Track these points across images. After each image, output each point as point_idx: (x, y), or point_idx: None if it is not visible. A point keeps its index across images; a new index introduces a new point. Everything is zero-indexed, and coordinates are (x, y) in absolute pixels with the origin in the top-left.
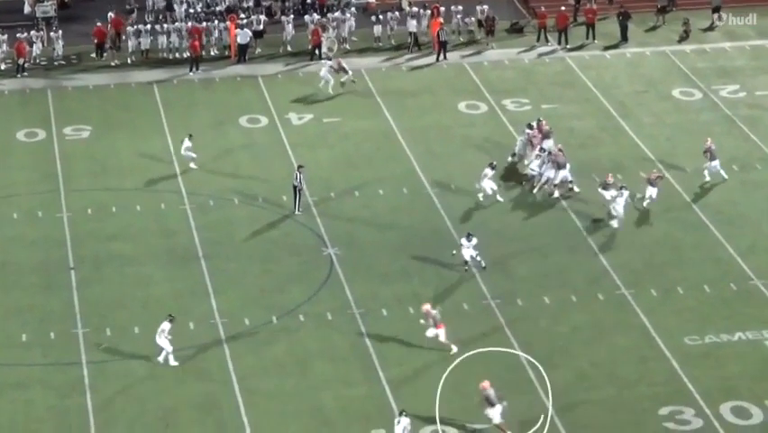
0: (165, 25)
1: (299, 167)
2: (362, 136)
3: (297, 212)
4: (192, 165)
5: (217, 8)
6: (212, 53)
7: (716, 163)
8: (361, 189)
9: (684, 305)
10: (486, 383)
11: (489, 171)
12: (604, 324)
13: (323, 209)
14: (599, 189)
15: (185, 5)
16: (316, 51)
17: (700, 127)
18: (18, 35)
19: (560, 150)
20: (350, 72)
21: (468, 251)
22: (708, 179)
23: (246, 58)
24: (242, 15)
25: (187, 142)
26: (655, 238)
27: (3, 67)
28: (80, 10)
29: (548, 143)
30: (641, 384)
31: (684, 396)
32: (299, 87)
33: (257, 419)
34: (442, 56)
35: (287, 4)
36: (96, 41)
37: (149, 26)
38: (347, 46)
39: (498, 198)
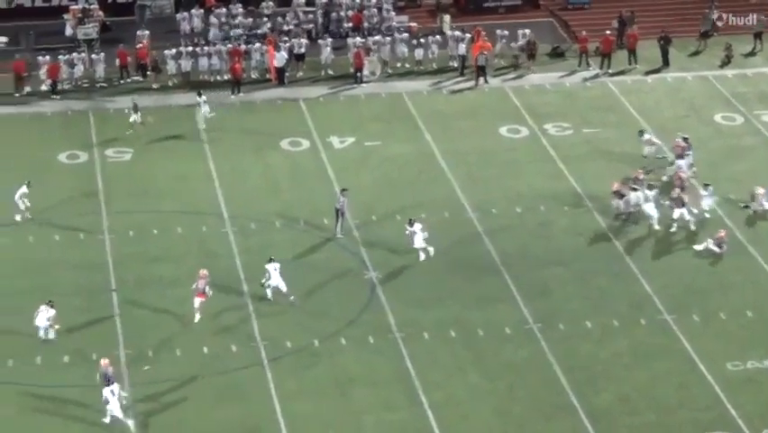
0: (205, 48)
1: (343, 190)
2: (404, 160)
3: (338, 235)
4: (17, 217)
5: (258, 31)
6: (252, 76)
7: (683, 162)
8: (403, 213)
9: (726, 330)
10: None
11: (649, 193)
12: (646, 349)
13: (364, 233)
14: (631, 193)
15: (222, 28)
16: (358, 74)
17: (742, 152)
18: (60, 57)
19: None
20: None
21: (419, 236)
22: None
23: (285, 80)
24: (285, 38)
25: (23, 189)
26: (696, 262)
27: (44, 88)
28: (121, 32)
29: (681, 163)
30: (682, 409)
31: (726, 422)
32: (341, 110)
33: None
34: (482, 80)
35: (325, 26)
36: (118, 62)
37: (189, 48)
38: (389, 70)
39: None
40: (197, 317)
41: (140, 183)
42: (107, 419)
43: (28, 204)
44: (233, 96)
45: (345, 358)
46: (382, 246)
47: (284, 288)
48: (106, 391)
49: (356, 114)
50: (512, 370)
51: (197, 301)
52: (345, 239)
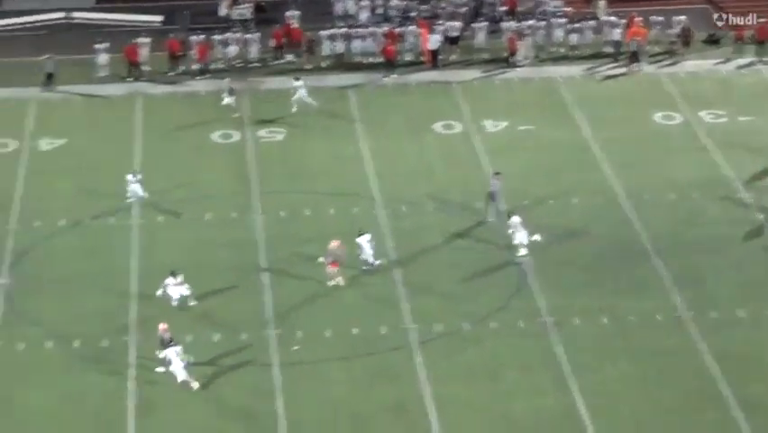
0: (360, 30)
1: (495, 174)
2: (556, 145)
3: (490, 219)
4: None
5: (412, 14)
6: (406, 58)
7: None
8: (555, 198)
9: None
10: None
11: None
12: None
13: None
14: None
15: (375, 10)
16: (512, 59)
17: None
18: (214, 37)
19: None
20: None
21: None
22: None
23: (438, 63)
24: (439, 21)
25: (131, 176)
26: None
27: (194, 67)
28: (276, 13)
29: None
30: None
31: None
32: (495, 94)
33: (447, 425)
34: (637, 66)
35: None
36: (273, 42)
37: (343, 30)
38: (544, 54)
39: None
40: (339, 281)
41: (292, 163)
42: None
43: (140, 191)
44: (385, 79)
45: (495, 342)
46: (534, 231)
47: (371, 259)
48: (170, 352)
49: (509, 98)
50: (662, 358)
51: (332, 271)
52: (497, 223)
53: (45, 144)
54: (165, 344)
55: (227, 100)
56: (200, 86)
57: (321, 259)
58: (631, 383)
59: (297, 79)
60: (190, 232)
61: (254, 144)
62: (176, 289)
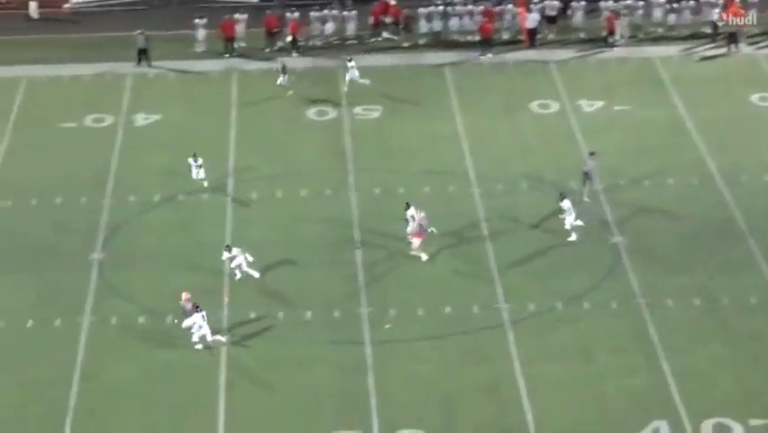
0: (457, 8)
1: (591, 153)
2: (652, 125)
3: (585, 199)
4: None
5: None
6: (504, 37)
7: None
8: (650, 178)
9: None
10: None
11: None
12: None
13: (611, 197)
14: None
15: None
16: (609, 38)
17: None
18: (311, 14)
19: None
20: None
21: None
22: None
23: (536, 42)
24: (536, 0)
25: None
26: None
27: (280, 43)
28: None
29: None
30: None
31: None
32: (591, 73)
33: (539, 406)
34: (735, 47)
35: None
36: (372, 20)
37: (441, 8)
38: (641, 34)
39: None
40: (424, 256)
41: (387, 141)
42: (200, 346)
43: (202, 175)
44: (481, 57)
45: (587, 323)
46: (628, 211)
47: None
48: (197, 318)
49: (606, 77)
50: (756, 340)
51: (416, 242)
52: (591, 203)
53: (141, 120)
54: (188, 313)
55: (280, 80)
56: (295, 63)
57: (408, 229)
58: (723, 366)
59: (350, 60)
60: (284, 208)
61: (350, 121)
62: (235, 262)
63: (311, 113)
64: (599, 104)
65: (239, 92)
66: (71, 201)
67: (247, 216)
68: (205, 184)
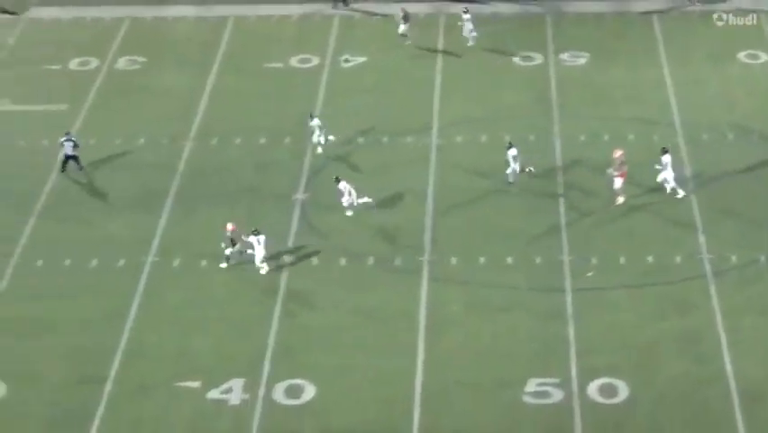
0: None
1: None
2: None
3: None
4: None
5: None
6: None
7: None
8: None
9: None
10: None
11: None
12: None
13: None
14: None
15: None
16: None
17: None
18: None
19: None
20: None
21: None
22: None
23: None
24: None
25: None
26: None
27: None
28: None
29: None
30: None
31: None
32: None
33: (738, 358)
34: None
35: None
36: None
37: None
38: None
39: None
40: (620, 199)
41: (593, 89)
42: (224, 265)
43: (321, 140)
44: (690, 6)
45: None
46: None
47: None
48: (253, 239)
49: None
50: None
51: (619, 182)
52: None
53: (345, 61)
54: (232, 243)
55: (402, 28)
56: (504, 8)
57: (610, 170)
58: None
59: (466, 12)
60: (488, 154)
61: (556, 68)
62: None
63: (517, 59)
64: None
65: (445, 35)
66: (275, 141)
67: (450, 161)
68: (320, 150)
